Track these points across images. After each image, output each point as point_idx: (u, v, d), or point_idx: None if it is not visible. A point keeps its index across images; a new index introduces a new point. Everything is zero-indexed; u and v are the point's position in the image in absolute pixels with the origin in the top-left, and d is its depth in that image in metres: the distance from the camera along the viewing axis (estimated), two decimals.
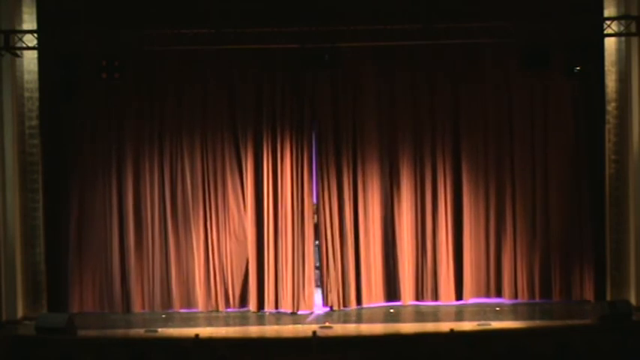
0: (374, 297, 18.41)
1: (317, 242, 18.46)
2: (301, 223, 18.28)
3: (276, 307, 18.22)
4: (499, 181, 18.45)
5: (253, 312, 18.18)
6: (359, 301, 18.34)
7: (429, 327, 16.49)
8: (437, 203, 18.45)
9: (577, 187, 18.32)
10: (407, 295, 18.38)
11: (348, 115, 18.45)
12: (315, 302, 18.27)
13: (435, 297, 18.38)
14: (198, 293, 18.30)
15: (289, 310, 18.08)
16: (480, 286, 18.42)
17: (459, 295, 18.34)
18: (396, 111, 18.47)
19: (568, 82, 17.90)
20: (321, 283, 18.40)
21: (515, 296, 18.33)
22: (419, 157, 18.49)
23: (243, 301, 18.38)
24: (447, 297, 18.32)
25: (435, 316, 17.63)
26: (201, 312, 18.21)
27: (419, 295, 18.43)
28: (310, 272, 18.27)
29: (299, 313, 18.03)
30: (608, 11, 17.56)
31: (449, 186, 18.45)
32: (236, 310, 18.30)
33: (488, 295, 18.40)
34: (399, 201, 18.46)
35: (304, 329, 16.29)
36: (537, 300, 18.25)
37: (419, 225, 18.45)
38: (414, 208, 18.46)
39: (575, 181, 18.33)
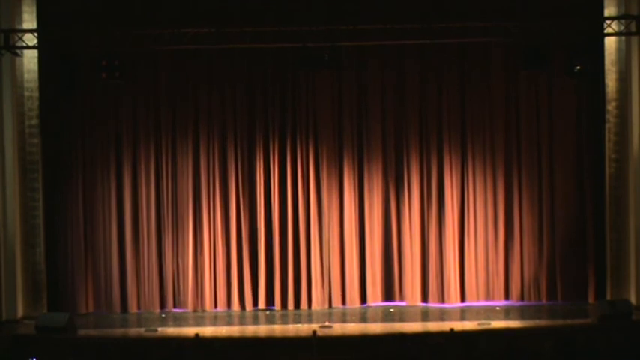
0: (380, 297, 18.39)
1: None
2: (304, 223, 18.32)
3: (282, 307, 18.27)
4: (506, 181, 18.43)
5: (250, 310, 18.20)
6: (364, 301, 18.35)
7: (430, 326, 16.49)
8: (443, 203, 18.40)
9: (579, 187, 18.33)
10: (413, 297, 18.36)
11: (352, 114, 18.45)
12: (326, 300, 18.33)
13: (441, 299, 18.35)
14: (198, 294, 18.29)
15: (293, 309, 18.18)
16: (487, 288, 18.38)
17: (465, 297, 18.31)
18: (402, 110, 18.46)
19: (568, 82, 17.88)
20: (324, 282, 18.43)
21: (522, 298, 18.32)
22: (425, 158, 18.46)
23: (241, 301, 18.35)
24: (453, 299, 18.29)
25: (435, 315, 17.64)
26: (201, 311, 18.21)
27: (425, 296, 18.40)
28: (314, 272, 18.29)
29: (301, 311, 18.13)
30: (608, 11, 17.56)
31: (455, 186, 18.42)
32: (237, 309, 18.30)
33: (495, 298, 18.36)
34: (405, 202, 18.43)
35: (304, 328, 16.28)
36: (544, 302, 18.23)
37: (425, 226, 18.41)
38: (419, 209, 18.42)
39: (577, 181, 18.34)
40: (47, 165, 18.00)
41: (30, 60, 17.65)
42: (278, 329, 16.94)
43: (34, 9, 17.58)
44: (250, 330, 17.03)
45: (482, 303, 18.24)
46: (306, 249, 18.35)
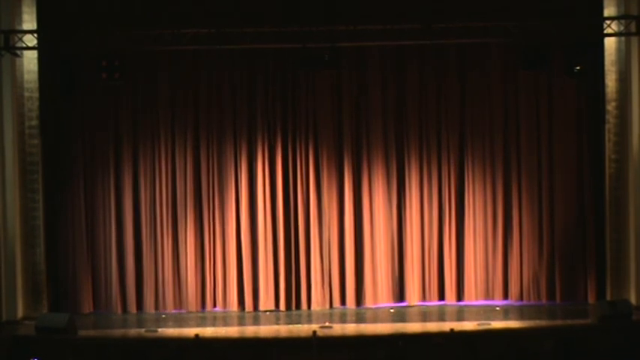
0: (379, 297, 18.40)
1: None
2: (304, 224, 18.33)
3: (282, 307, 18.24)
4: (506, 181, 18.43)
5: (249, 311, 18.20)
6: (363, 301, 18.35)
7: (430, 327, 16.49)
8: (442, 203, 18.44)
9: (579, 187, 18.33)
10: (413, 296, 18.37)
11: (352, 114, 18.45)
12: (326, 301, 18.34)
13: (441, 298, 18.37)
14: (199, 294, 18.30)
15: (293, 310, 18.20)
16: (487, 288, 18.37)
17: (464, 296, 18.32)
18: (402, 110, 18.45)
19: (568, 82, 17.88)
20: (325, 283, 18.43)
21: (521, 298, 18.32)
22: (425, 158, 18.45)
23: (241, 301, 18.36)
24: (452, 298, 18.31)
25: (435, 316, 17.64)
26: (201, 312, 18.21)
27: (425, 296, 18.42)
28: (314, 272, 18.29)
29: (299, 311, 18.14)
30: (608, 11, 17.56)
31: (454, 186, 18.42)
32: (237, 310, 18.30)
33: (495, 298, 18.35)
34: (405, 202, 18.44)
35: (304, 329, 16.29)
36: (543, 302, 18.22)
37: (425, 226, 18.42)
38: (419, 208, 18.43)
39: (577, 181, 18.33)
40: (47, 166, 17.99)
41: (30, 60, 17.64)
42: (278, 330, 16.93)
43: (34, 9, 17.56)
44: (250, 330, 17.03)
45: (482, 303, 18.24)
46: (305, 249, 18.36)
